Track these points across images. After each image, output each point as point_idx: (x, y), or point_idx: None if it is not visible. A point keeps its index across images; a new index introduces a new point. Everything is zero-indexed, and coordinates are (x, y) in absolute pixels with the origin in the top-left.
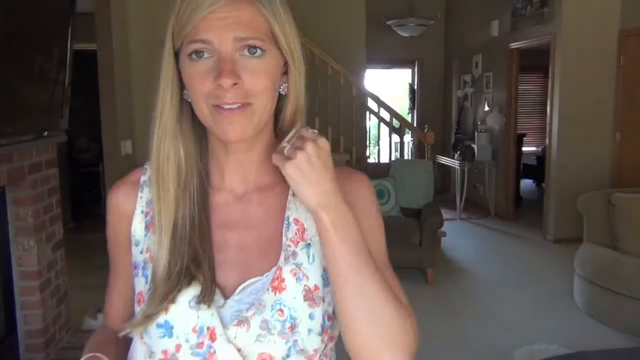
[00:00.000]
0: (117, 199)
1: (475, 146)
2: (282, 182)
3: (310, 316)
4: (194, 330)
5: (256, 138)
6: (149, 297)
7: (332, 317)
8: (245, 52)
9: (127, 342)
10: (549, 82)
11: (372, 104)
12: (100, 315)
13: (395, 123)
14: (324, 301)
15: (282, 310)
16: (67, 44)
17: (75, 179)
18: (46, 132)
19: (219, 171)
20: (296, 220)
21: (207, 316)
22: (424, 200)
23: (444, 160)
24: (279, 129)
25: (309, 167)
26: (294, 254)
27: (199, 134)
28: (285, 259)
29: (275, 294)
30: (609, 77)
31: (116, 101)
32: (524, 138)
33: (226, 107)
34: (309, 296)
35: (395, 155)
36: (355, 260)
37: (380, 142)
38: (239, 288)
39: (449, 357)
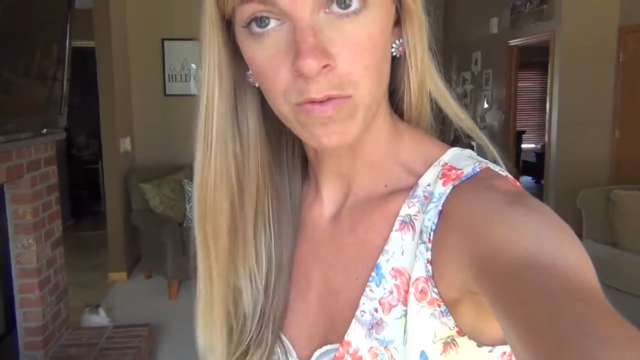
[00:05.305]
0: None
1: (474, 143)
2: (392, 199)
3: None
4: None
5: (364, 133)
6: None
7: None
8: (334, 7)
9: None
10: (549, 79)
11: None
12: (101, 309)
13: None
14: None
15: None
16: (66, 41)
17: (74, 176)
18: (45, 130)
19: (311, 176)
20: (396, 271)
21: None
22: None
23: None
24: (403, 110)
25: None
26: (380, 323)
27: (277, 129)
28: (368, 329)
29: None
30: (609, 74)
31: (115, 98)
32: (524, 135)
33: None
34: None
35: None
36: None
37: None
38: (316, 354)
39: None
